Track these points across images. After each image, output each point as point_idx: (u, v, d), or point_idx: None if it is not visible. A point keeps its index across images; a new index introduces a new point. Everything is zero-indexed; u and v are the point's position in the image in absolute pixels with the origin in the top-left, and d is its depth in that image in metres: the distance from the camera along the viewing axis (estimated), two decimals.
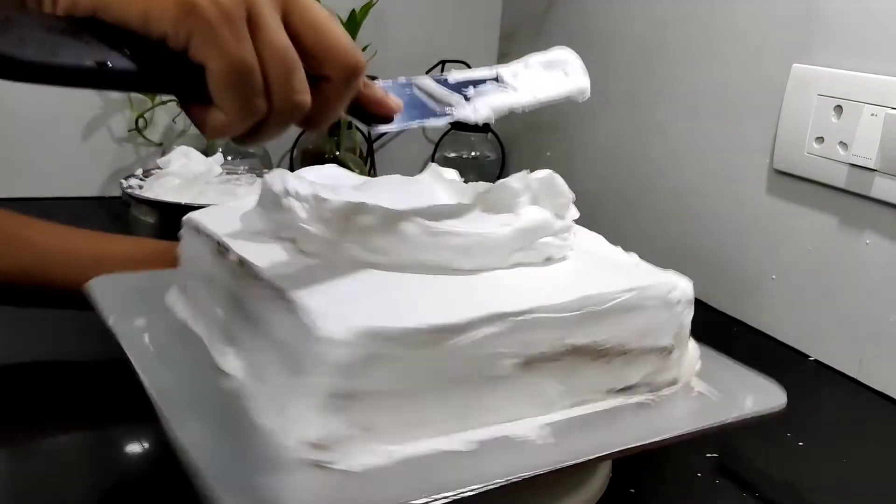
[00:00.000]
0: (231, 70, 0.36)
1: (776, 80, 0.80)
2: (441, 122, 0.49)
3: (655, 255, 0.61)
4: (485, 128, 1.26)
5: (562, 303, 0.46)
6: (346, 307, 0.43)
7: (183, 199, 0.92)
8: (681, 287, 0.52)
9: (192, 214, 0.58)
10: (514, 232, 0.50)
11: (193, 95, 0.38)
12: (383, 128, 0.46)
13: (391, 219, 0.49)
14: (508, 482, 0.41)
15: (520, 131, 1.28)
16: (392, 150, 1.30)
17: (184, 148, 1.02)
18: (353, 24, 1.17)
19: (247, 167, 1.08)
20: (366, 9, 1.17)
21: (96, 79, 0.36)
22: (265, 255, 0.49)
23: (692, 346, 0.54)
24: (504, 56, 1.32)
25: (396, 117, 0.46)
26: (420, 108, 0.48)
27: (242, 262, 0.49)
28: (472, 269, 0.50)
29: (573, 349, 0.47)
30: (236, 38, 0.36)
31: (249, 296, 0.49)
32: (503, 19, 1.32)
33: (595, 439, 0.46)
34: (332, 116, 0.42)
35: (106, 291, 0.58)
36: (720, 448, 0.61)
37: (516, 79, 0.55)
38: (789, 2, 0.79)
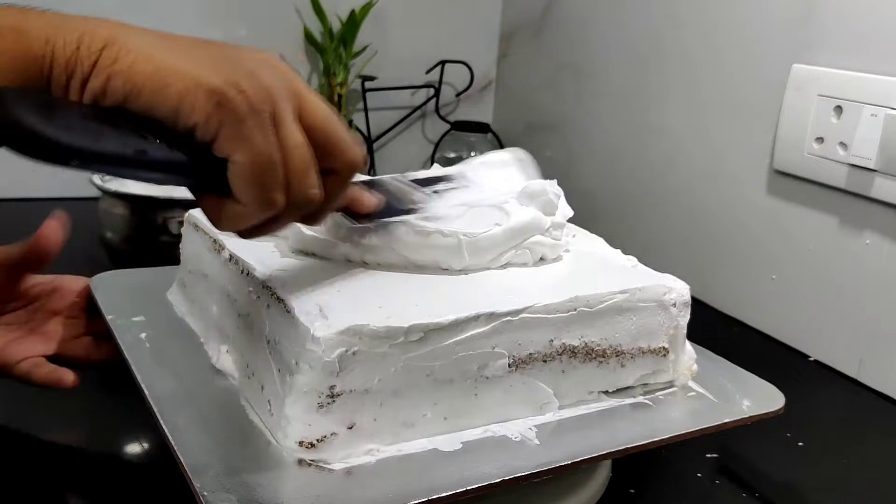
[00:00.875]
0: (256, 164, 0.36)
1: (776, 80, 0.80)
2: (412, 218, 0.50)
3: (655, 254, 0.61)
4: (485, 128, 1.26)
5: (552, 303, 0.46)
6: (334, 306, 0.43)
7: (153, 192, 0.91)
8: (676, 289, 0.52)
9: (193, 211, 0.58)
10: (503, 232, 0.50)
11: (211, 186, 0.38)
12: (364, 222, 0.48)
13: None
14: (500, 482, 0.41)
15: (520, 131, 1.28)
16: (392, 150, 1.30)
17: None
18: (353, 24, 1.17)
19: None
20: (366, 9, 1.17)
21: (134, 167, 0.35)
22: (258, 253, 0.49)
23: (688, 349, 0.54)
24: (504, 56, 1.32)
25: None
26: (387, 206, 0.49)
27: (235, 260, 0.50)
28: (463, 269, 0.50)
29: (565, 350, 0.47)
30: (263, 133, 0.37)
31: (242, 293, 0.49)
32: (503, 19, 1.32)
33: (587, 441, 0.46)
34: (331, 209, 0.43)
35: (106, 288, 0.58)
36: (720, 448, 0.61)
37: (477, 176, 0.57)
38: (789, 2, 0.79)
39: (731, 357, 0.58)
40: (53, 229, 0.55)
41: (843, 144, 0.73)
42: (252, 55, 0.38)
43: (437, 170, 0.59)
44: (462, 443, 0.44)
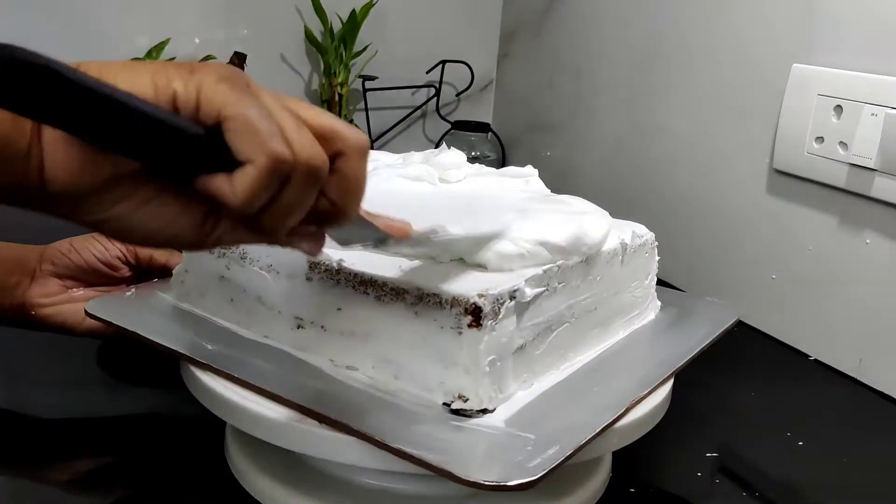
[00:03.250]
0: (248, 114, 0.35)
1: (776, 80, 0.80)
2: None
3: None
4: (485, 127, 1.26)
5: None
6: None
7: None
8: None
9: None
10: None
11: (213, 164, 0.35)
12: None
13: None
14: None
15: (520, 131, 1.28)
16: (392, 149, 1.30)
17: None
18: (353, 24, 1.17)
19: None
20: (366, 9, 1.17)
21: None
22: None
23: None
24: (504, 56, 1.32)
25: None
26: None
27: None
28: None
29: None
30: (246, 91, 0.35)
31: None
32: (503, 19, 1.32)
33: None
34: (355, 198, 0.40)
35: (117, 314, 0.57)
36: (720, 448, 0.61)
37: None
38: (789, 2, 0.79)
39: (732, 356, 0.58)
40: None
41: (843, 144, 0.73)
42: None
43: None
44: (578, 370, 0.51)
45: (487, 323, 0.44)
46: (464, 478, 0.39)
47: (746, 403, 0.68)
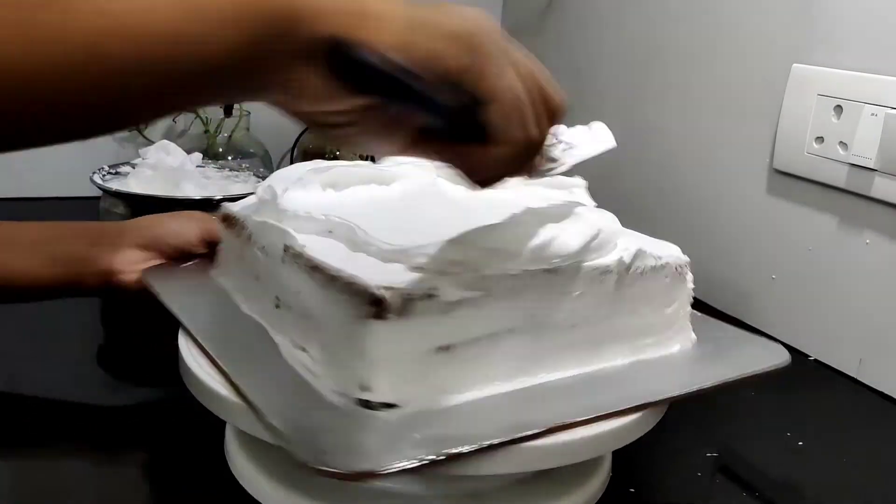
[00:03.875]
0: (515, 100, 0.40)
1: (776, 80, 0.80)
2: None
3: None
4: None
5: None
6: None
7: (153, 192, 0.91)
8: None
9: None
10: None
11: (466, 137, 0.40)
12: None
13: None
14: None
15: None
16: None
17: (163, 142, 1.00)
18: None
19: (247, 165, 1.08)
20: None
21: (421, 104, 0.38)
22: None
23: None
24: None
25: None
26: None
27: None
28: None
29: None
30: (511, 72, 0.40)
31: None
32: (503, 19, 1.32)
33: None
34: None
35: (161, 280, 0.62)
36: (720, 448, 0.61)
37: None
38: (789, 2, 0.79)
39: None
40: None
41: (843, 144, 0.73)
42: (463, 11, 0.41)
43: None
44: (534, 386, 0.48)
45: (391, 316, 0.43)
46: (298, 456, 0.40)
47: (746, 403, 0.68)
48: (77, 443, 0.57)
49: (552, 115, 0.43)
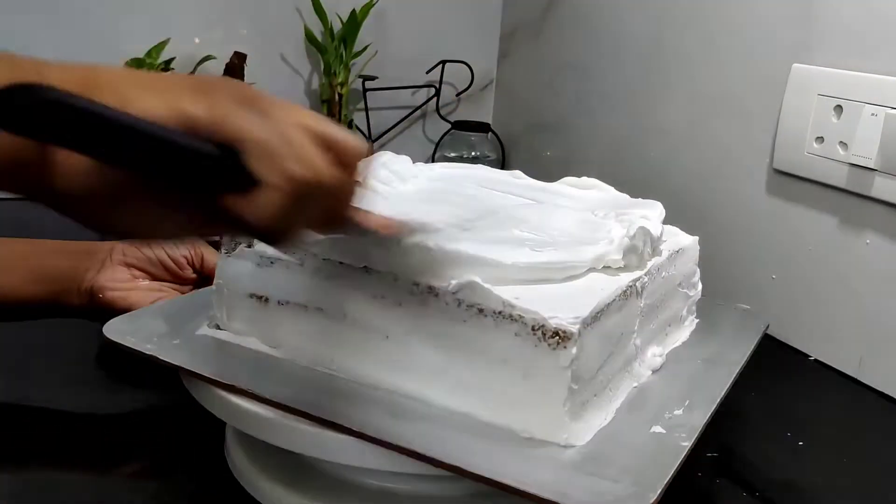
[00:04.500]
0: (266, 139, 0.36)
1: (776, 80, 0.80)
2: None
3: None
4: (485, 127, 1.26)
5: None
6: None
7: None
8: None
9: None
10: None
11: (229, 182, 0.36)
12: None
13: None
14: None
15: (520, 131, 1.28)
16: (392, 149, 1.29)
17: None
18: (353, 24, 1.17)
19: None
20: (366, 9, 1.17)
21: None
22: None
23: None
24: (504, 56, 1.32)
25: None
26: None
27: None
28: None
29: None
30: (261, 116, 0.37)
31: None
32: (503, 19, 1.32)
33: None
34: (351, 204, 0.42)
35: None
36: (720, 448, 0.61)
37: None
38: (789, 2, 0.79)
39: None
40: None
41: (843, 144, 0.73)
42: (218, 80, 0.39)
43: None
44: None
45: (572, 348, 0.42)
46: None
47: (746, 403, 0.68)
48: (77, 444, 0.57)
49: (342, 157, 0.39)
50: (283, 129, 0.37)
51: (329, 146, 0.39)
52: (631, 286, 0.50)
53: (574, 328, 0.42)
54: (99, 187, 0.35)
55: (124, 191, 0.36)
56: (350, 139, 0.40)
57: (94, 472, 0.54)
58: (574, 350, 0.42)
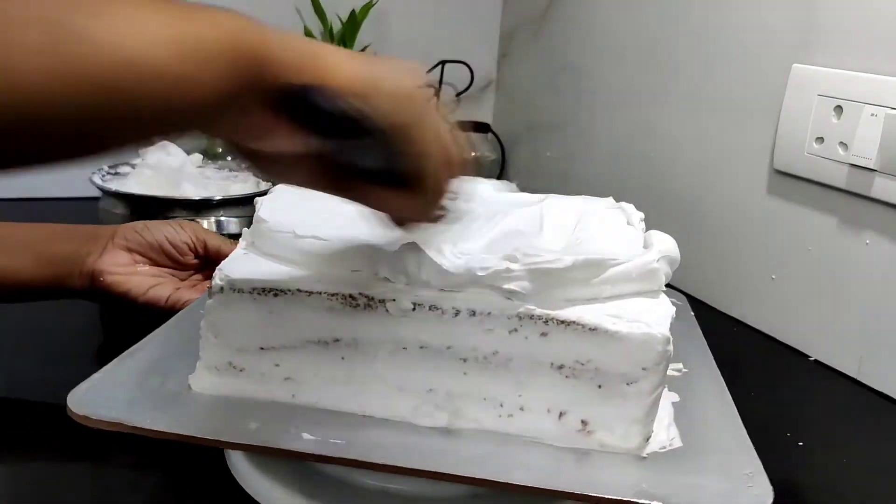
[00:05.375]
0: (444, 156, 0.43)
1: (776, 80, 0.80)
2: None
3: None
4: (485, 128, 1.26)
5: None
6: None
7: (153, 192, 0.91)
8: None
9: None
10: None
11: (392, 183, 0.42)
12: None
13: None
14: None
15: (520, 131, 1.28)
16: None
17: (163, 142, 1.00)
18: (353, 24, 1.17)
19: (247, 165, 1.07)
20: (366, 9, 1.17)
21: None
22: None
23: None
24: (504, 56, 1.32)
25: None
26: None
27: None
28: None
29: None
30: (444, 130, 0.44)
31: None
32: (503, 19, 1.32)
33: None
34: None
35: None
36: None
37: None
38: (789, 2, 0.79)
39: (732, 356, 0.58)
40: None
41: (843, 144, 0.73)
42: (402, 66, 0.44)
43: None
44: None
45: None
46: None
47: (746, 403, 0.68)
48: (76, 443, 0.56)
49: (458, 169, 0.46)
50: (446, 145, 0.43)
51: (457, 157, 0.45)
52: None
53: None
54: (293, 155, 0.41)
55: (308, 159, 0.41)
56: (467, 155, 0.46)
57: (94, 472, 0.54)
58: None
